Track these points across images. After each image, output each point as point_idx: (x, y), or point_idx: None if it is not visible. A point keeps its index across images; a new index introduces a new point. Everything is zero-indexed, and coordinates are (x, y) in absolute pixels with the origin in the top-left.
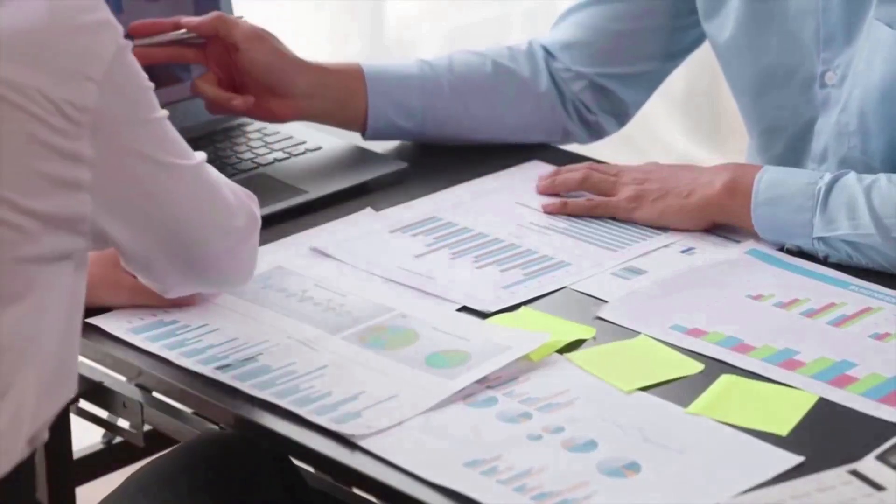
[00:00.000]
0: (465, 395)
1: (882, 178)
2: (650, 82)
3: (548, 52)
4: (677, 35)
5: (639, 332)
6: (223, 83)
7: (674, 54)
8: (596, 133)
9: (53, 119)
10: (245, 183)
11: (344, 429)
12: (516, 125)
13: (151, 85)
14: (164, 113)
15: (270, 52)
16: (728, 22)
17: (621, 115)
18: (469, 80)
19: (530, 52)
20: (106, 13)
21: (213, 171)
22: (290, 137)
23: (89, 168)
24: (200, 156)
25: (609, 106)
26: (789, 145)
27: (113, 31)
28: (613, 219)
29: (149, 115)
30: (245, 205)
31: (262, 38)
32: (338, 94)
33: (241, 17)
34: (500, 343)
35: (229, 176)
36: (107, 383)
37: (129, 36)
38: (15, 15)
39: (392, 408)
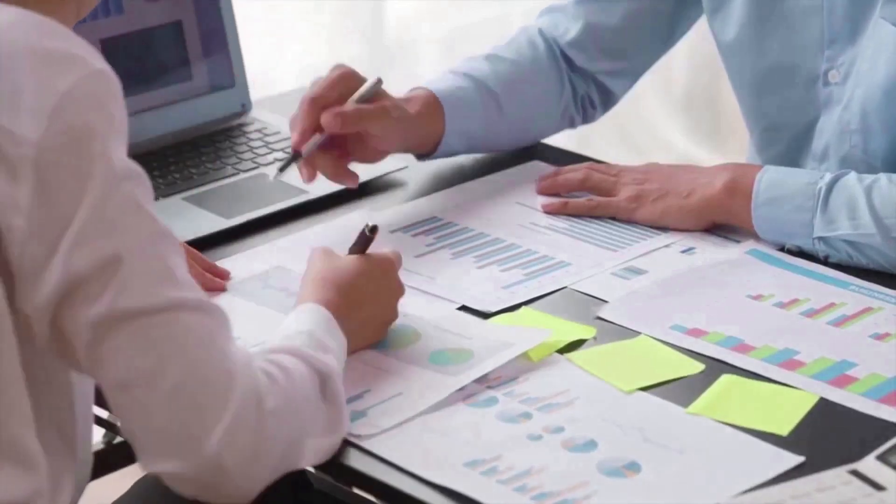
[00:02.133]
0: (465, 395)
1: (882, 177)
2: (643, 69)
3: (560, 50)
4: (677, 24)
5: (639, 332)
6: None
7: (671, 41)
8: (585, 121)
9: None
10: (245, 183)
11: (350, 428)
12: (544, 132)
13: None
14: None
15: (394, 129)
16: (732, 20)
17: (610, 104)
18: (517, 101)
19: (552, 55)
20: (69, 43)
21: (214, 319)
22: (291, 137)
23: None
24: (199, 296)
25: (604, 98)
26: (791, 143)
27: (80, 63)
28: (614, 219)
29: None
30: (252, 377)
31: (390, 117)
32: (422, 139)
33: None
34: (502, 340)
35: (229, 176)
36: None
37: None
38: None
39: (398, 406)
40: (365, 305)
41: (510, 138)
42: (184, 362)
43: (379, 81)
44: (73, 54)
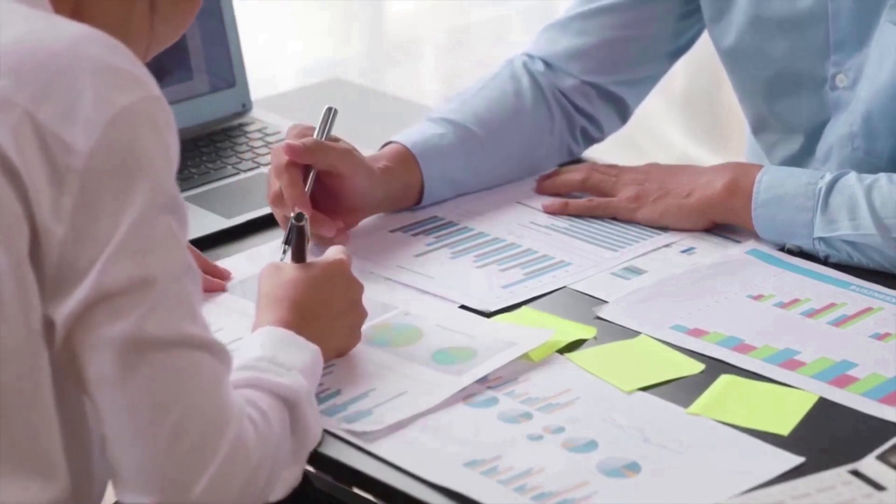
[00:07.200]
0: (465, 395)
1: (882, 177)
2: (654, 82)
3: (549, 68)
4: (683, 33)
5: (639, 332)
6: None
7: (678, 52)
8: (593, 143)
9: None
10: (245, 183)
11: (356, 427)
12: (539, 167)
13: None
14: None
15: (366, 176)
16: (733, 27)
17: (627, 115)
18: (502, 140)
19: (537, 90)
20: (134, 66)
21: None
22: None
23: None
24: (213, 337)
25: (616, 112)
26: (800, 146)
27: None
28: (614, 219)
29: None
30: (244, 429)
31: (357, 160)
32: (399, 192)
33: (338, 140)
34: (505, 339)
35: (229, 176)
36: None
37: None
38: (31, 34)
39: (403, 405)
40: (320, 317)
41: (502, 177)
42: (187, 403)
43: (330, 111)
44: (136, 75)
